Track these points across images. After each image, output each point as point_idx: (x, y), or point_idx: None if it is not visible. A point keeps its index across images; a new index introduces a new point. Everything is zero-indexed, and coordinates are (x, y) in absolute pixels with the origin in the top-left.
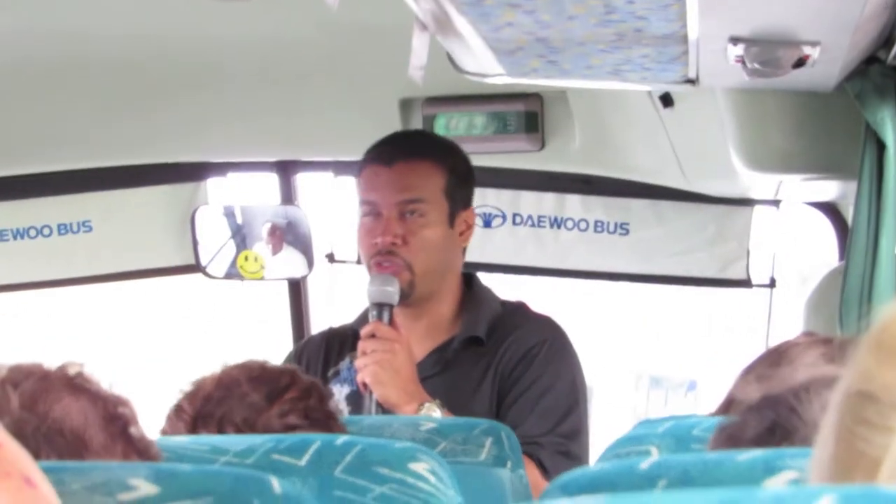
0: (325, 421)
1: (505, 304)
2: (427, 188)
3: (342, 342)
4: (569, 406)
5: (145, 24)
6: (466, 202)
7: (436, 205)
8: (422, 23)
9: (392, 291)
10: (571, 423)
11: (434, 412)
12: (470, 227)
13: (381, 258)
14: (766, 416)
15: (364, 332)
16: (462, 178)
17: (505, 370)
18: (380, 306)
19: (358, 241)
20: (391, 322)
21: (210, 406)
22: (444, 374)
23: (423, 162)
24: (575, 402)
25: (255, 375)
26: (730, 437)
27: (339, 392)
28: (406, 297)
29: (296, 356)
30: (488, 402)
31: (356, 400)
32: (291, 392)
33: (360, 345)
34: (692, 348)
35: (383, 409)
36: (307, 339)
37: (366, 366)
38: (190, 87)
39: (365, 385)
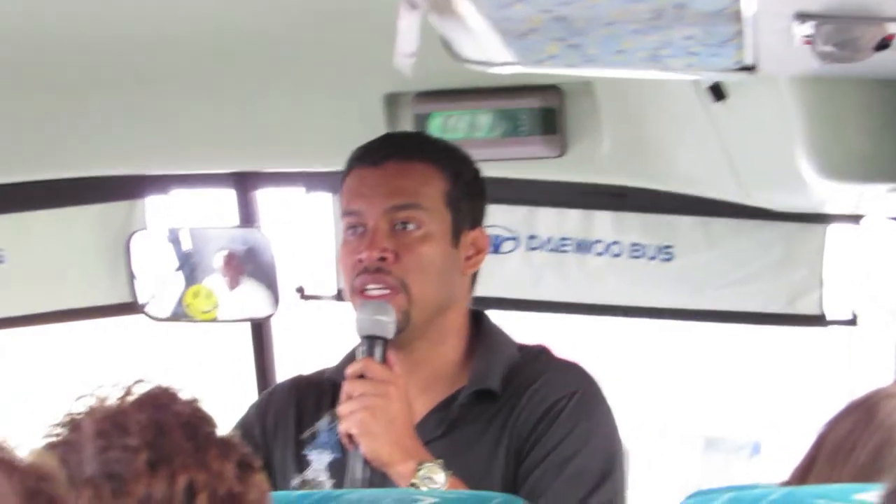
0: None
1: (523, 349)
2: (423, 193)
3: (319, 395)
4: (602, 473)
5: (65, 7)
6: (475, 219)
7: (435, 214)
8: (411, 0)
9: (387, 321)
10: (605, 494)
11: (436, 474)
12: (480, 251)
13: (368, 278)
14: None
15: (351, 371)
16: (469, 189)
17: (524, 429)
18: (371, 340)
19: (341, 266)
20: (385, 360)
21: None
22: (449, 436)
23: (419, 163)
24: (610, 468)
25: (143, 497)
26: None
27: (318, 460)
28: (400, 331)
29: (258, 413)
30: (504, 469)
31: (340, 470)
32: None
33: (346, 386)
34: (755, 402)
35: (371, 468)
36: (272, 389)
37: (352, 412)
38: (123, 83)
39: (350, 437)
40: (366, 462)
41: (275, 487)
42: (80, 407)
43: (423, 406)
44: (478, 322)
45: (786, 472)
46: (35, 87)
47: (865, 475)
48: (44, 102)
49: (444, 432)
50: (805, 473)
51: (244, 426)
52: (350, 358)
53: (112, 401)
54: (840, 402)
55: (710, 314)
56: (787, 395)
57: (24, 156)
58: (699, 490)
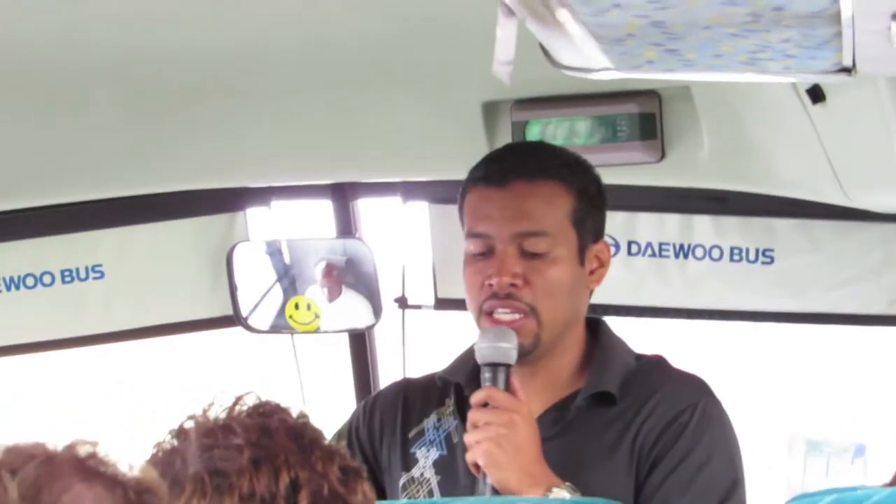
0: None
1: (640, 357)
2: (551, 216)
3: (426, 396)
4: (729, 485)
5: (162, 20)
6: (598, 232)
7: (563, 237)
8: (507, 7)
9: (509, 348)
10: None
11: (564, 496)
12: (603, 264)
13: (498, 303)
14: None
15: (475, 399)
16: (593, 203)
17: (647, 441)
18: (494, 367)
19: (465, 285)
20: (508, 386)
21: None
22: (564, 437)
23: (545, 182)
24: (736, 478)
25: (247, 493)
26: None
27: (425, 458)
28: (527, 354)
29: (365, 414)
30: (625, 475)
31: (446, 468)
32: (302, 500)
33: (471, 415)
34: (858, 404)
35: (499, 495)
36: (378, 392)
37: (478, 442)
38: (221, 96)
39: (477, 467)
40: (494, 490)
41: (382, 487)
42: (189, 420)
43: (538, 406)
44: (596, 329)
45: (890, 474)
46: (134, 102)
47: None
48: (143, 116)
49: (559, 433)
50: None
51: (350, 427)
52: (464, 360)
53: (220, 410)
54: None
55: (811, 316)
56: (891, 396)
57: (123, 171)
58: (803, 493)
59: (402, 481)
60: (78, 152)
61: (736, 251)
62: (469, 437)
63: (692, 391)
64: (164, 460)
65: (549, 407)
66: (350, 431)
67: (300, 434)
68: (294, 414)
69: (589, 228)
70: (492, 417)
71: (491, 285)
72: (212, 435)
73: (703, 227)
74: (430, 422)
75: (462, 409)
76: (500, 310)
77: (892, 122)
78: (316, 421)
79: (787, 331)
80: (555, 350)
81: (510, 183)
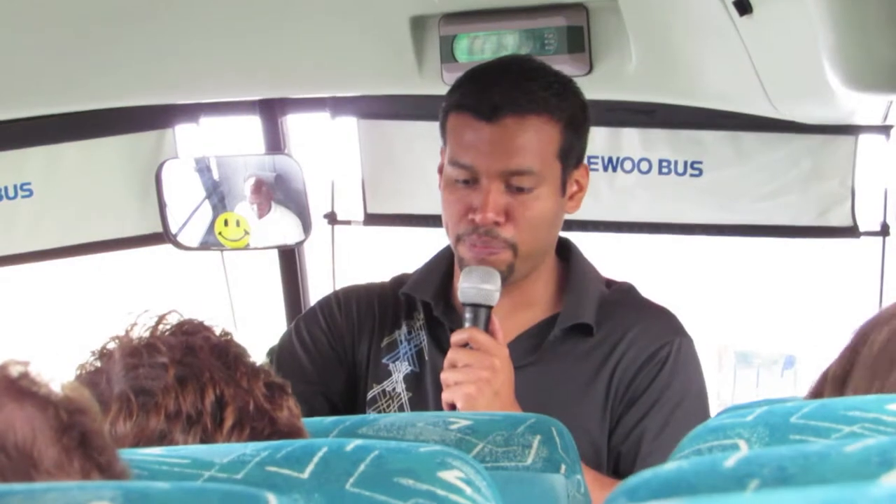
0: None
1: (611, 284)
2: (539, 154)
3: (395, 305)
4: (700, 423)
5: None
6: (580, 157)
7: (548, 172)
8: None
9: (492, 290)
10: None
11: None
12: (582, 188)
13: (477, 238)
14: None
15: (455, 339)
16: (578, 131)
17: (624, 377)
18: (475, 308)
19: (444, 208)
20: (488, 327)
21: None
22: (539, 366)
23: (535, 117)
24: (705, 417)
25: (173, 411)
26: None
27: (397, 372)
28: (502, 280)
29: (340, 306)
30: (600, 409)
31: (415, 383)
32: (228, 417)
33: (451, 355)
34: (788, 315)
35: None
36: (347, 289)
37: (457, 384)
38: (148, 10)
39: (453, 407)
40: None
41: (354, 383)
42: (112, 340)
43: (512, 328)
44: (566, 250)
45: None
46: (61, 18)
47: None
48: (70, 33)
49: (534, 361)
50: (841, 386)
51: (321, 317)
52: (428, 275)
53: (143, 330)
54: (871, 312)
55: (740, 228)
56: (820, 307)
57: (50, 88)
58: (733, 405)
59: (372, 393)
60: (3, 70)
61: (664, 163)
62: (448, 377)
63: (668, 328)
64: (88, 381)
65: (524, 332)
66: (319, 322)
67: (224, 351)
68: (217, 332)
69: (572, 157)
70: (472, 360)
71: (473, 220)
72: (136, 354)
73: (632, 140)
74: (402, 333)
75: (431, 326)
76: (480, 247)
77: (819, 32)
78: (241, 338)
79: (715, 243)
80: (528, 275)
81: (500, 118)
